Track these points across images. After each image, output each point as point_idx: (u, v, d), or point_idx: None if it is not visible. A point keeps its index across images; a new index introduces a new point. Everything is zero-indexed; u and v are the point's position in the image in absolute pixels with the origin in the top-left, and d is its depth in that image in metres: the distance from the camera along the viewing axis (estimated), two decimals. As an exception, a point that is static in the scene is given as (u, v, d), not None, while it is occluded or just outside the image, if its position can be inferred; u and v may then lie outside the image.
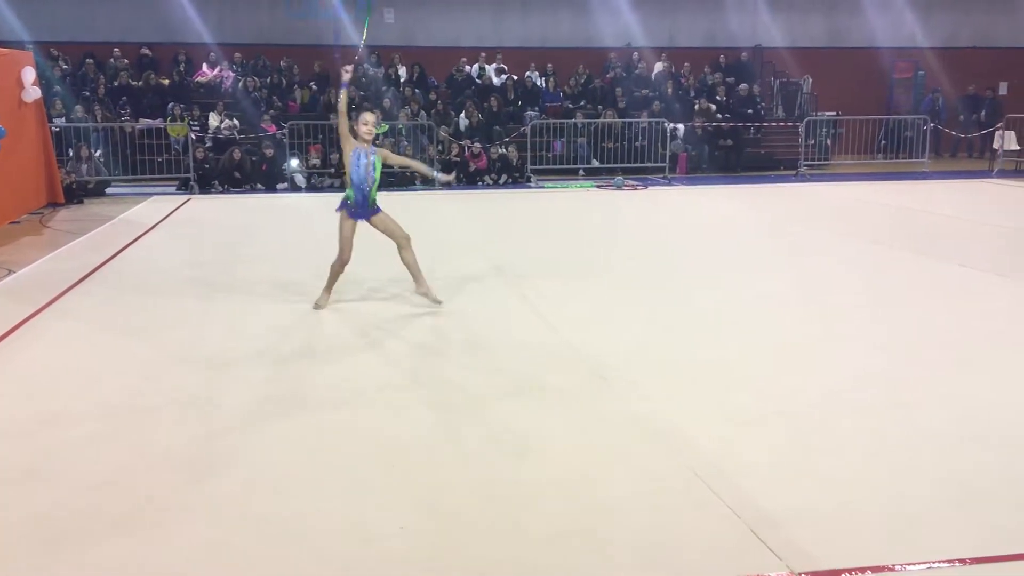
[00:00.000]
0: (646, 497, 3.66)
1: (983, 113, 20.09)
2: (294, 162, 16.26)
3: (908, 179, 16.76)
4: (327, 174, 16.19)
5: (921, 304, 7.00)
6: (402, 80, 18.73)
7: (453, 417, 4.61)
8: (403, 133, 16.63)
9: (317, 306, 6.86)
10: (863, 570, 3.08)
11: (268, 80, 18.58)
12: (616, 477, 3.86)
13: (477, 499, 3.67)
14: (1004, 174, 17.37)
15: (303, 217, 12.69)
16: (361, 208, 6.71)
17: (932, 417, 4.52)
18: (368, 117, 6.67)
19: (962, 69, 20.88)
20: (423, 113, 17.35)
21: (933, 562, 3.13)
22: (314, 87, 18.58)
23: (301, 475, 3.90)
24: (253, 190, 15.59)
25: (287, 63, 19.04)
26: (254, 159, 15.90)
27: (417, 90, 18.14)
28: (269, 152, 15.86)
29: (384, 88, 18.05)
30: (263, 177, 15.80)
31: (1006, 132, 18.19)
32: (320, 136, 16.39)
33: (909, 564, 3.12)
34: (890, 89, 22.36)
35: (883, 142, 19.84)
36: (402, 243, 6.83)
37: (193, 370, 5.42)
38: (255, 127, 16.68)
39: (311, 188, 15.98)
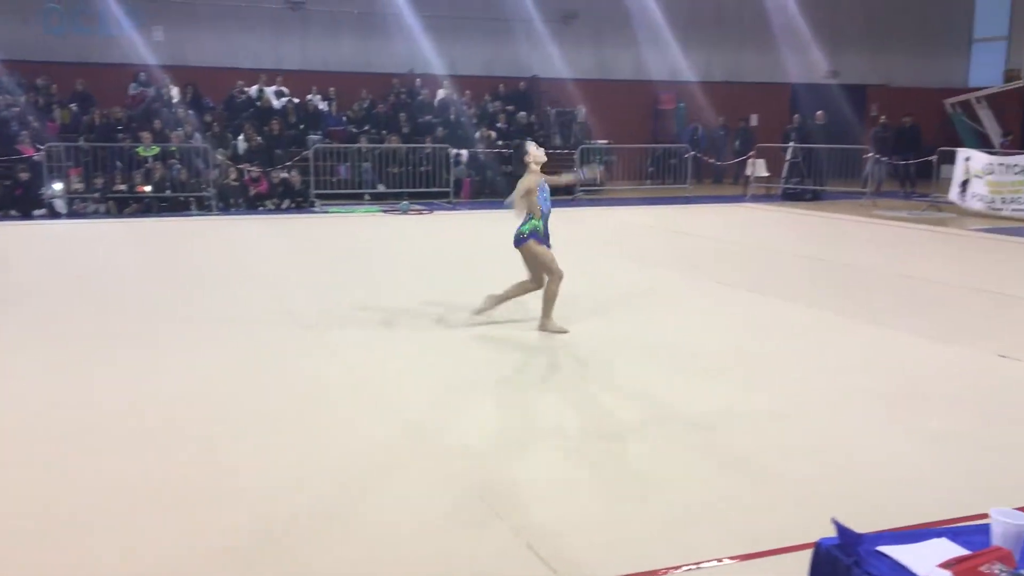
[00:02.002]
0: (426, 516, 3.70)
1: (737, 142, 21.83)
2: (57, 186, 15.13)
3: (673, 203, 17.94)
4: (90, 199, 15.18)
5: (678, 319, 7.51)
6: (175, 100, 17.90)
7: (227, 448, 4.47)
8: (176, 156, 15.90)
9: (555, 330, 6.86)
10: (633, 576, 3.26)
11: (24, 99, 17.17)
12: (395, 499, 3.88)
13: (254, 532, 3.56)
14: (756, 198, 18.98)
15: (65, 245, 11.81)
16: (546, 235, 6.84)
17: (692, 426, 4.84)
18: (535, 146, 7.10)
19: (717, 102, 22.61)
20: (198, 135, 16.68)
21: (699, 563, 3.36)
22: (74, 108, 17.39)
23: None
24: (7, 217, 14.35)
25: (45, 81, 17.70)
26: (7, 183, 14.67)
27: (191, 111, 17.40)
28: (24, 176, 14.67)
29: (155, 108, 17.19)
30: (17, 203, 14.60)
31: (757, 160, 19.88)
32: (83, 159, 15.36)
33: (676, 567, 3.33)
34: (655, 119, 23.86)
35: (651, 169, 21.16)
36: (552, 277, 6.89)
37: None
38: (9, 149, 15.38)
39: (73, 214, 14.92)
